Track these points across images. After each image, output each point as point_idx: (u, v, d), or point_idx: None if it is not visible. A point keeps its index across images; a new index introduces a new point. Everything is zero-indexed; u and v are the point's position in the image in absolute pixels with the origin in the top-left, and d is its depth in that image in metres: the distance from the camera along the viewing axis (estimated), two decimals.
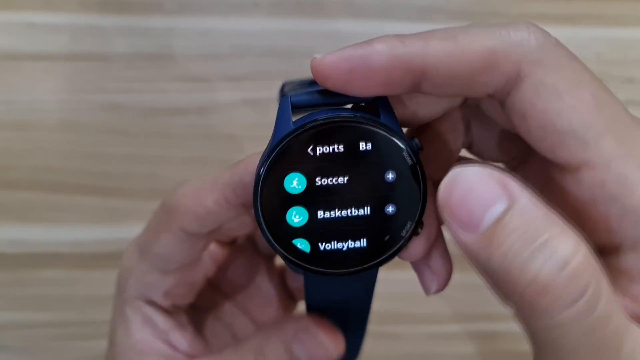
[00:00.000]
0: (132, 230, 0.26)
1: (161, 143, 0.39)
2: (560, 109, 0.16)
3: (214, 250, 0.27)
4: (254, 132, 0.39)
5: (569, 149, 0.16)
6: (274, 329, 0.23)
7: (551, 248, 0.14)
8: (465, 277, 0.38)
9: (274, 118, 0.25)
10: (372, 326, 0.24)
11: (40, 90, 0.38)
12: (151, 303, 0.24)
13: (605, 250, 0.17)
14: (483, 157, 0.22)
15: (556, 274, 0.14)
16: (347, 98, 0.18)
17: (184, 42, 0.39)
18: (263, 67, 0.39)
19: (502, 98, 0.18)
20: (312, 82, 0.24)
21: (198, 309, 0.27)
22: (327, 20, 0.39)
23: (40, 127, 0.39)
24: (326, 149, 0.17)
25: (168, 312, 0.25)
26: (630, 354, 0.15)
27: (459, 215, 0.15)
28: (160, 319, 0.24)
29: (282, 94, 0.23)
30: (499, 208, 0.15)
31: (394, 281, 0.40)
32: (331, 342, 0.22)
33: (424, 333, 0.41)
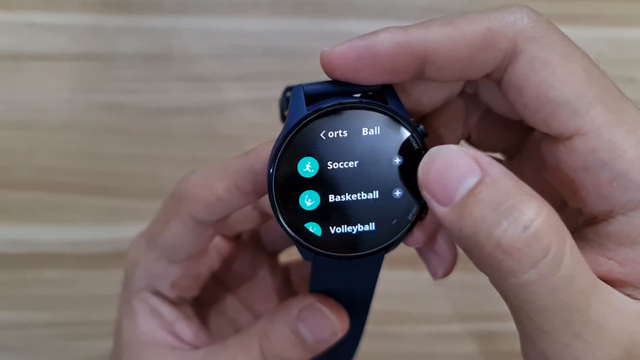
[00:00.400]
0: (132, 230, 0.26)
1: (161, 143, 0.39)
2: (553, 80, 0.17)
3: (220, 244, 0.27)
4: (254, 131, 0.39)
5: (561, 118, 0.17)
6: (279, 310, 0.23)
7: (515, 212, 0.15)
8: (465, 277, 0.38)
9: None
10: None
11: (41, 90, 0.38)
12: (158, 294, 0.24)
13: (598, 218, 0.18)
14: (481, 147, 0.23)
15: (519, 235, 0.15)
16: (356, 87, 0.19)
17: (183, 42, 0.39)
18: (263, 67, 0.39)
19: (499, 76, 0.19)
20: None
21: (202, 303, 0.27)
22: (327, 20, 0.39)
23: (41, 127, 0.39)
24: (337, 134, 0.18)
25: (174, 303, 0.25)
26: (600, 315, 0.16)
27: (436, 190, 0.16)
28: (166, 310, 0.24)
29: (287, 102, 0.24)
30: (471, 181, 0.16)
31: (395, 281, 0.40)
32: (336, 318, 0.22)
33: (425, 333, 0.41)
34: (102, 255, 0.39)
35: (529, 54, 0.17)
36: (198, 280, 0.25)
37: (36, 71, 0.38)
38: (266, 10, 0.39)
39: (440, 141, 0.21)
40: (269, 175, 0.18)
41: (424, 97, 0.21)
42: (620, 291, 0.17)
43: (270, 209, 0.19)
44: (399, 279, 0.38)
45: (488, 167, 0.16)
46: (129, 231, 0.39)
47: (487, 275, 0.16)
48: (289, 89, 0.25)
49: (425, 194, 0.17)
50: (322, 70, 0.19)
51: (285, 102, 0.24)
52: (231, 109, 0.39)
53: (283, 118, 0.24)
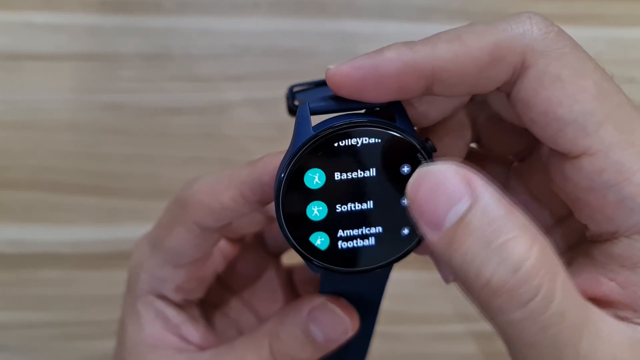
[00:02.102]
0: (131, 231, 0.26)
1: (161, 143, 0.39)
2: (562, 97, 0.17)
3: (224, 246, 0.27)
4: (254, 131, 0.39)
5: (569, 136, 0.17)
6: (289, 310, 0.23)
7: (505, 251, 0.15)
8: None
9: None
10: None
11: (40, 90, 0.38)
12: (163, 297, 0.24)
13: (602, 237, 0.18)
14: (491, 151, 0.23)
15: (508, 277, 0.14)
16: (363, 104, 0.19)
17: (183, 42, 0.39)
18: (263, 67, 0.39)
19: (508, 90, 0.18)
20: (321, 83, 0.24)
21: (206, 305, 0.27)
22: (327, 20, 0.39)
23: (40, 127, 0.39)
24: (345, 153, 0.18)
25: (180, 306, 0.25)
26: (590, 347, 0.15)
27: (425, 213, 0.16)
28: (171, 313, 0.24)
29: (293, 96, 0.24)
30: (462, 206, 0.15)
31: (395, 281, 0.40)
32: (347, 316, 0.22)
33: (425, 333, 0.41)
34: (101, 255, 0.39)
35: (538, 69, 0.17)
36: (203, 283, 0.25)
37: (35, 71, 0.38)
38: (266, 10, 0.39)
39: (447, 149, 0.21)
40: (277, 196, 0.18)
41: (431, 110, 0.20)
42: (617, 313, 0.17)
43: (279, 229, 0.19)
44: (399, 279, 0.38)
45: (480, 191, 0.15)
46: (128, 231, 0.39)
47: (477, 307, 0.16)
48: (295, 85, 0.25)
49: (415, 215, 0.16)
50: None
51: (291, 97, 0.24)
52: (231, 109, 0.39)
53: (290, 111, 0.24)
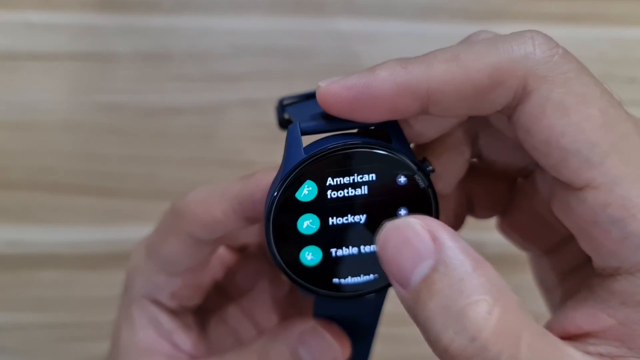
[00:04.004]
0: (131, 231, 0.26)
1: (161, 143, 0.39)
2: (565, 126, 0.16)
3: (224, 254, 0.27)
4: (253, 132, 0.39)
5: (572, 167, 0.16)
6: (280, 330, 0.22)
7: (463, 319, 0.14)
8: None
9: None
10: None
11: (40, 90, 0.38)
12: (157, 303, 0.24)
13: (605, 272, 0.17)
14: (492, 167, 0.22)
15: (466, 346, 0.14)
16: (356, 123, 0.18)
17: (183, 42, 0.38)
18: (262, 67, 0.39)
19: (509, 113, 0.17)
20: (311, 95, 0.24)
21: (204, 311, 0.27)
22: (327, 20, 0.39)
23: (40, 127, 0.38)
24: (338, 181, 0.17)
25: (174, 312, 0.25)
26: None
27: (392, 270, 0.16)
28: (165, 319, 0.24)
29: (283, 110, 0.23)
30: (425, 266, 0.15)
31: None
32: (337, 343, 0.22)
33: None
34: (100, 256, 0.39)
35: (541, 95, 0.16)
36: (199, 291, 0.25)
37: (34, 71, 0.38)
38: (266, 10, 0.38)
39: (446, 167, 0.21)
40: (267, 225, 0.18)
41: (428, 128, 0.20)
42: (611, 352, 0.16)
43: (269, 252, 0.18)
44: None
45: (445, 248, 0.15)
46: (127, 232, 0.38)
47: None
48: (284, 98, 0.24)
49: (384, 270, 0.16)
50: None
51: (281, 111, 0.23)
52: (230, 109, 0.39)
53: (280, 124, 0.24)
